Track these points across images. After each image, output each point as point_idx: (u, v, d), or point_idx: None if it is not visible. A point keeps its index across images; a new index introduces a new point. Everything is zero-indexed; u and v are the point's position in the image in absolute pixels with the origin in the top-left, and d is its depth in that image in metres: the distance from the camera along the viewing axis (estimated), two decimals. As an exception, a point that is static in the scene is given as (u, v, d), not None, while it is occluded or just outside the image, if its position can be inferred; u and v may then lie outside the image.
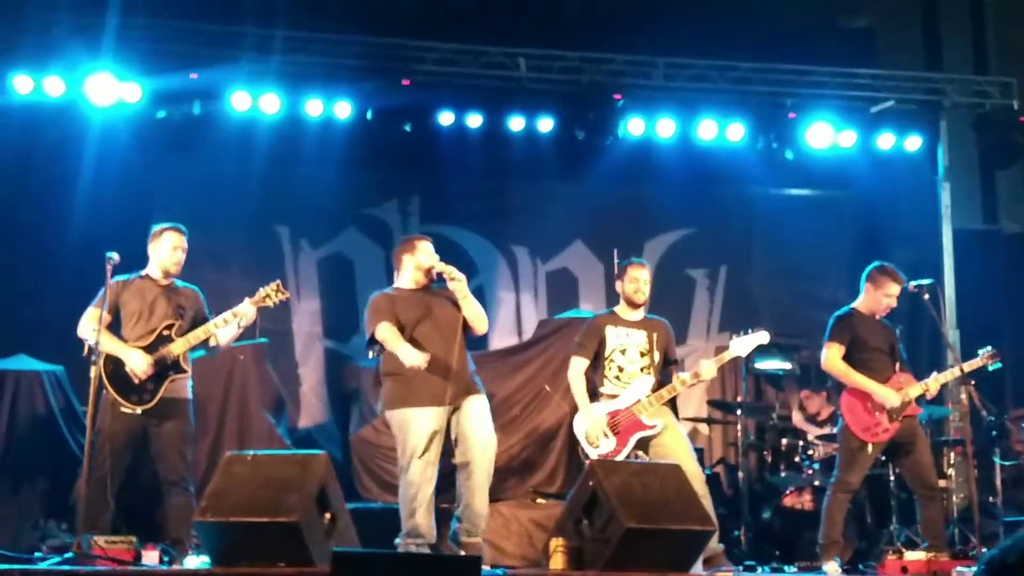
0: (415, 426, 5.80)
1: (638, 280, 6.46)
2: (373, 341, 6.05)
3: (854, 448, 6.33)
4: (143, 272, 6.13)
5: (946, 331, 7.81)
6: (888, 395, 6.25)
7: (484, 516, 5.86)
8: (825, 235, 10.05)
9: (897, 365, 6.43)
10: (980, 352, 6.48)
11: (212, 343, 6.08)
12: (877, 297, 6.51)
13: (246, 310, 5.98)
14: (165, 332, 5.94)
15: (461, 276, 5.98)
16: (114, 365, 5.84)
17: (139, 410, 5.82)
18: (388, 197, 9.87)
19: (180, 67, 8.74)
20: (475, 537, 5.79)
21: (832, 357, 6.42)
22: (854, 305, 6.60)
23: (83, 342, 5.84)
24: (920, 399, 6.45)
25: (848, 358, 6.39)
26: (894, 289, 6.49)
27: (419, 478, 5.74)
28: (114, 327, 5.97)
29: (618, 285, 6.61)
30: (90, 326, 5.83)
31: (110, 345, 5.84)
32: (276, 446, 7.57)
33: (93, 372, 5.74)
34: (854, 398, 6.36)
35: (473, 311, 6.08)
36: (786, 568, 6.39)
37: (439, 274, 6.02)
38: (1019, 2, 10.59)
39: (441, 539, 6.01)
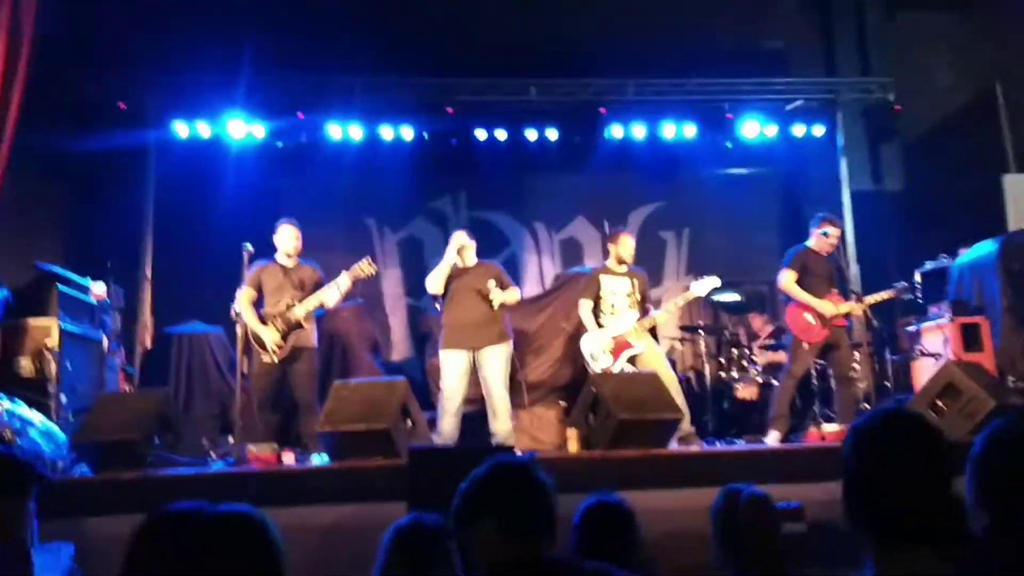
0: (445, 365, 5.93)
1: (630, 245, 6.44)
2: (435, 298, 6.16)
3: (796, 346, 6.26)
4: (275, 258, 6.16)
5: (848, 267, 7.68)
6: (824, 306, 6.17)
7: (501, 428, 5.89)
8: (758, 201, 9.85)
9: (834, 290, 6.32)
10: (895, 285, 6.40)
11: (325, 306, 6.08)
12: (819, 238, 6.39)
13: (343, 280, 5.98)
14: (290, 302, 5.97)
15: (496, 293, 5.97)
16: (253, 332, 5.92)
17: (276, 359, 5.89)
18: (443, 193, 9.78)
19: (291, 109, 8.75)
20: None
21: (787, 279, 6.31)
22: (807, 244, 6.45)
23: (231, 309, 5.90)
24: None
25: (799, 282, 6.27)
26: (830, 230, 6.38)
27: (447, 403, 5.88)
28: (259, 300, 6.05)
29: (611, 247, 6.56)
30: (241, 301, 5.95)
31: (252, 321, 5.90)
32: (374, 375, 7.60)
33: (239, 331, 5.80)
34: (798, 309, 6.26)
35: (510, 298, 6.08)
36: (736, 441, 6.34)
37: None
38: (893, 20, 10.30)
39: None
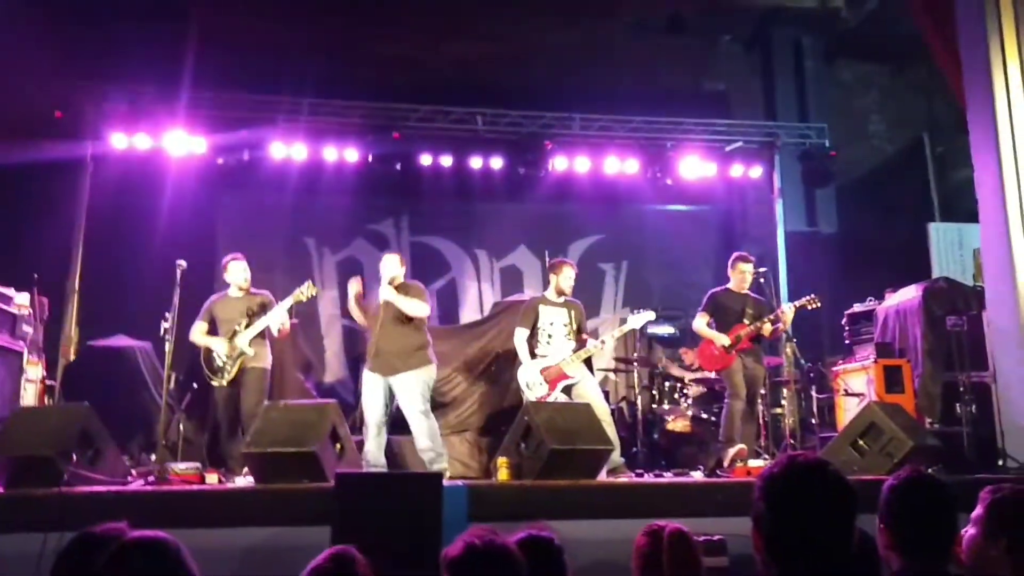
0: (364, 387, 5.98)
1: (571, 276, 6.50)
2: None
3: (720, 375, 6.62)
4: (227, 292, 6.29)
5: (778, 303, 7.86)
6: (718, 338, 6.47)
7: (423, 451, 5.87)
8: (696, 238, 10.06)
9: (745, 321, 6.48)
10: (804, 298, 6.58)
11: (270, 329, 6.13)
12: (734, 275, 6.62)
13: (279, 312, 6.07)
14: (236, 328, 5.99)
15: (385, 288, 5.99)
16: (207, 354, 5.89)
17: (223, 383, 5.86)
18: (386, 216, 9.76)
19: (233, 126, 8.67)
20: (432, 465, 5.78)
21: (698, 321, 6.68)
22: (727, 284, 6.71)
23: (160, 325, 5.79)
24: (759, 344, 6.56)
25: (714, 318, 6.58)
26: (742, 267, 6.60)
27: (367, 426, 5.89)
28: (212, 330, 6.14)
29: (552, 276, 6.59)
30: (194, 333, 6.07)
31: (205, 340, 5.97)
32: (305, 397, 7.50)
33: (168, 348, 5.70)
34: (705, 343, 6.61)
35: (402, 305, 5.99)
36: (665, 474, 6.39)
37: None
38: (831, 68, 10.67)
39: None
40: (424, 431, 5.82)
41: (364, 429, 5.90)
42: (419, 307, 6.04)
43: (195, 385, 6.83)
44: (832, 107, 10.41)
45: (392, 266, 6.14)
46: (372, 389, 5.92)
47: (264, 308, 6.16)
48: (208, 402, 6.04)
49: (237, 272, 6.24)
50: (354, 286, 6.15)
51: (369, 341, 6.04)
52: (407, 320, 5.97)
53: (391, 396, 5.92)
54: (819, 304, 6.53)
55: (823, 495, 1.82)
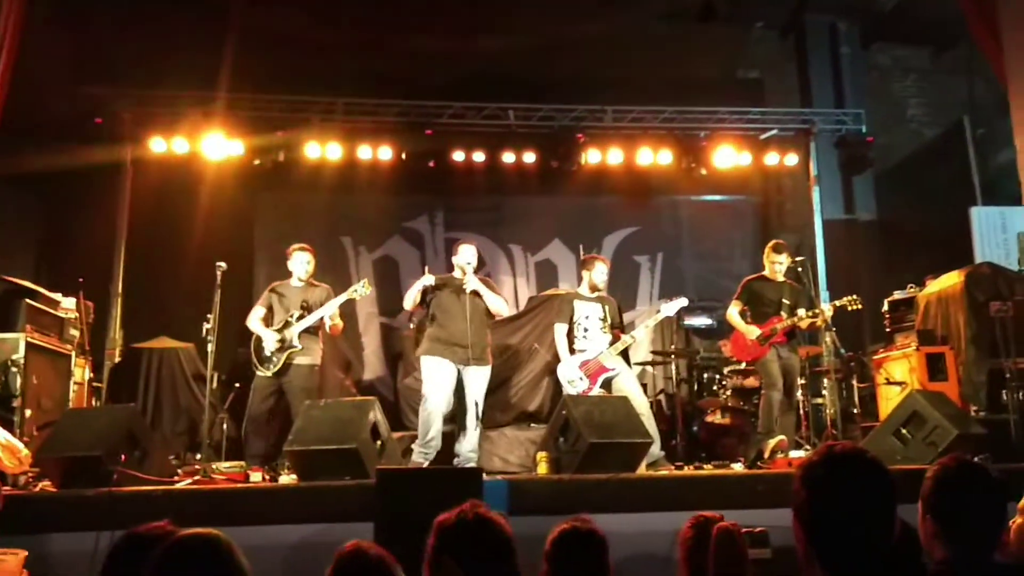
0: (430, 372, 5.89)
1: (603, 271, 6.51)
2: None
3: (755, 366, 6.55)
4: (289, 280, 6.36)
5: (817, 293, 7.79)
6: (749, 331, 6.39)
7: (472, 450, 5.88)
8: (732, 228, 9.97)
9: (783, 312, 6.42)
10: (845, 298, 6.49)
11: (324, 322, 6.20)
12: (769, 264, 6.56)
13: (332, 307, 6.13)
14: (289, 320, 6.08)
15: (473, 281, 6.01)
16: (257, 343, 5.97)
17: (268, 375, 5.93)
18: (420, 213, 9.80)
19: (269, 128, 8.77)
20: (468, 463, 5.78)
21: (731, 310, 6.61)
22: (762, 272, 6.65)
23: (203, 327, 5.87)
24: (794, 338, 6.50)
25: (750, 307, 6.50)
26: (775, 257, 6.54)
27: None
28: (268, 316, 6.21)
29: (584, 272, 6.61)
30: (251, 319, 6.15)
31: (258, 328, 6.09)
32: (345, 395, 7.59)
33: (211, 348, 5.79)
34: (737, 333, 6.56)
35: (490, 302, 6.07)
36: (705, 466, 6.37)
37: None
38: (867, 53, 10.50)
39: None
40: (477, 434, 5.89)
41: (422, 414, 5.88)
42: (503, 304, 6.18)
43: (237, 385, 6.95)
44: (869, 92, 10.25)
45: (473, 256, 6.16)
46: (443, 373, 5.89)
47: (322, 301, 6.22)
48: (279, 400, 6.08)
49: (300, 262, 6.31)
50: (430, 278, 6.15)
51: (437, 327, 6.01)
52: (488, 314, 6.06)
53: (459, 386, 5.93)
54: (860, 306, 6.42)
55: (862, 483, 1.81)
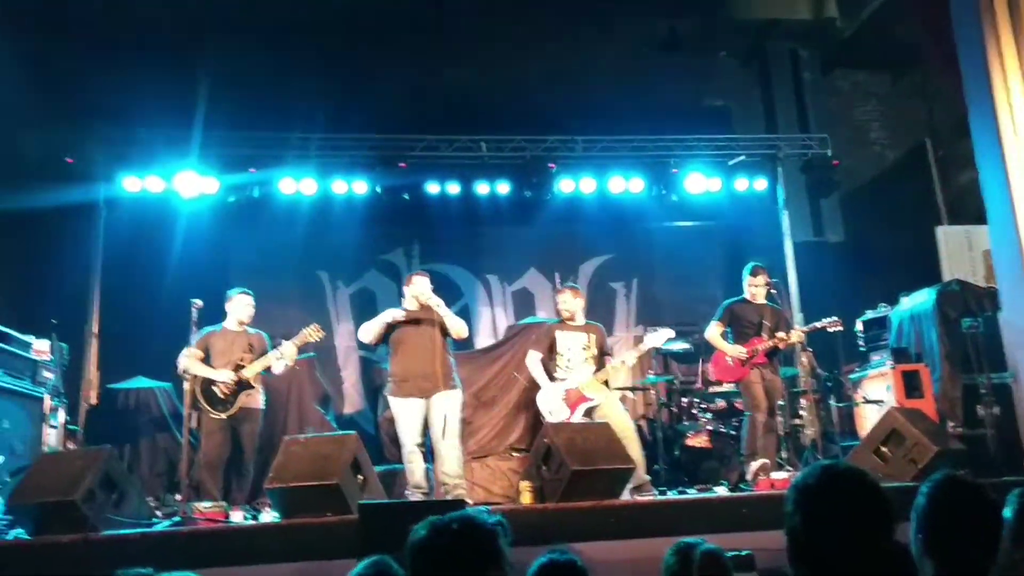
0: (400, 414, 5.84)
1: (571, 302, 6.48)
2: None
3: (738, 388, 6.56)
4: (224, 324, 6.19)
5: (790, 314, 7.80)
6: (733, 350, 6.38)
7: (452, 478, 5.74)
8: (704, 252, 10.00)
9: (764, 334, 6.42)
10: (824, 319, 6.50)
11: (272, 371, 6.12)
12: (747, 287, 6.58)
13: (289, 349, 6.03)
14: (240, 362, 5.94)
15: (436, 300, 5.91)
16: (205, 386, 5.85)
17: (222, 416, 5.83)
18: (396, 246, 9.74)
19: (243, 165, 8.70)
20: (451, 493, 5.66)
21: (711, 330, 6.64)
22: (743, 295, 6.68)
23: (177, 367, 5.80)
24: (775, 358, 6.49)
25: (732, 329, 6.53)
26: (751, 280, 6.57)
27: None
28: (205, 362, 6.01)
29: (557, 303, 6.62)
30: (187, 359, 5.85)
31: (203, 369, 5.86)
32: (325, 429, 7.47)
33: (186, 387, 5.69)
34: (719, 353, 6.56)
35: (450, 322, 5.97)
36: (688, 490, 6.32)
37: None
38: (829, 78, 10.64)
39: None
40: (456, 458, 5.76)
41: (404, 456, 5.81)
42: (463, 325, 6.06)
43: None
44: (832, 117, 10.37)
45: (428, 286, 6.08)
46: (412, 412, 5.81)
47: (264, 350, 6.16)
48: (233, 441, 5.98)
49: (243, 304, 6.22)
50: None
51: (399, 363, 5.93)
52: (445, 340, 5.96)
53: (427, 419, 5.84)
54: (841, 327, 6.45)
55: (860, 504, 1.77)
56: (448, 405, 5.82)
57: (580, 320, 6.51)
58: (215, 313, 6.21)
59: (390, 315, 6.01)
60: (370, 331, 6.06)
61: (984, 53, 6.16)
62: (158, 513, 5.65)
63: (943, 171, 9.83)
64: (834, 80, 10.76)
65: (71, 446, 6.81)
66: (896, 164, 10.47)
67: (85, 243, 8.29)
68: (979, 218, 7.76)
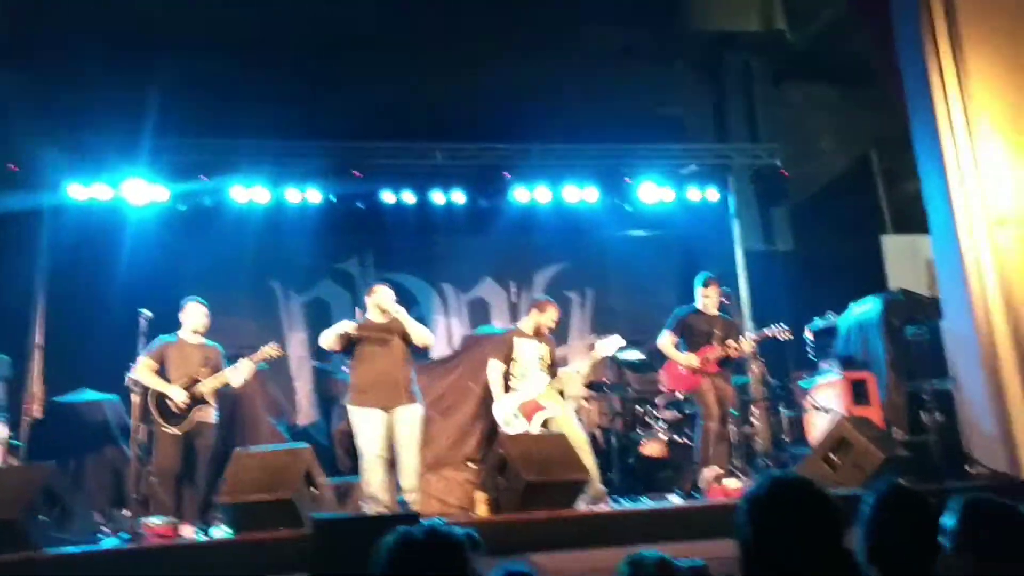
0: (359, 424, 5.74)
1: (554, 317, 6.49)
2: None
3: (691, 397, 6.60)
4: (179, 335, 6.03)
5: (741, 322, 7.92)
6: (686, 359, 6.50)
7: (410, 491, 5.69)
8: (658, 261, 10.03)
9: (715, 343, 6.51)
10: (773, 326, 6.60)
11: (229, 386, 6.02)
12: (703, 297, 6.68)
13: (245, 366, 5.95)
14: (196, 376, 5.85)
15: (398, 309, 5.89)
16: (159, 399, 5.75)
17: (175, 431, 5.73)
18: (350, 255, 9.64)
19: (194, 172, 8.56)
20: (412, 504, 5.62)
21: (663, 339, 6.75)
22: (694, 304, 6.77)
23: (126, 376, 5.69)
24: (727, 366, 6.58)
25: (683, 339, 6.62)
26: (703, 291, 6.68)
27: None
28: (159, 374, 5.87)
29: (536, 315, 6.56)
30: (140, 370, 5.73)
31: (157, 383, 5.75)
32: (278, 441, 7.37)
33: (134, 399, 5.59)
34: (669, 363, 6.70)
35: (415, 331, 5.94)
36: (642, 499, 6.36)
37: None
38: (780, 90, 10.84)
39: None
40: (415, 469, 5.70)
41: (362, 467, 5.72)
42: (429, 333, 6.06)
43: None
44: (783, 127, 10.55)
45: (390, 296, 6.06)
46: (373, 423, 5.71)
47: (219, 361, 6.06)
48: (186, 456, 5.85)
49: (197, 314, 6.07)
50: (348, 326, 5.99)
51: (359, 374, 5.88)
52: (408, 350, 5.93)
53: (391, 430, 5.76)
54: (791, 335, 6.57)
55: (809, 514, 1.81)
56: (411, 418, 5.77)
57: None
58: (164, 324, 6.09)
59: (342, 327, 5.96)
60: (327, 338, 6.02)
61: (926, 69, 6.34)
62: (105, 529, 5.52)
63: (888, 182, 10.09)
64: (785, 91, 10.95)
65: (13, 462, 6.63)
66: (843, 174, 10.69)
67: (28, 253, 8.07)
68: (923, 228, 7.98)
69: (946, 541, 2.44)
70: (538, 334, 6.48)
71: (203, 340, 6.11)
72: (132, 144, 8.24)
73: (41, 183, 8.14)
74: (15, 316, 7.70)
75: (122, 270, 8.09)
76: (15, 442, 6.85)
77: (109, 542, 5.11)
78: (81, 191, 8.27)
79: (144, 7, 7.92)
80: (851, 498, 2.39)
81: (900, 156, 9.31)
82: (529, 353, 6.41)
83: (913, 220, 8.82)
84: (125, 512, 5.88)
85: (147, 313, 5.73)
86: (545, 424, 6.19)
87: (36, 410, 7.52)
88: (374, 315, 6.05)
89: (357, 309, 6.58)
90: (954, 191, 6.14)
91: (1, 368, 6.58)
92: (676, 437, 7.53)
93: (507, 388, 6.35)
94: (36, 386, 7.68)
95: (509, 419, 6.19)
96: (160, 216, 8.65)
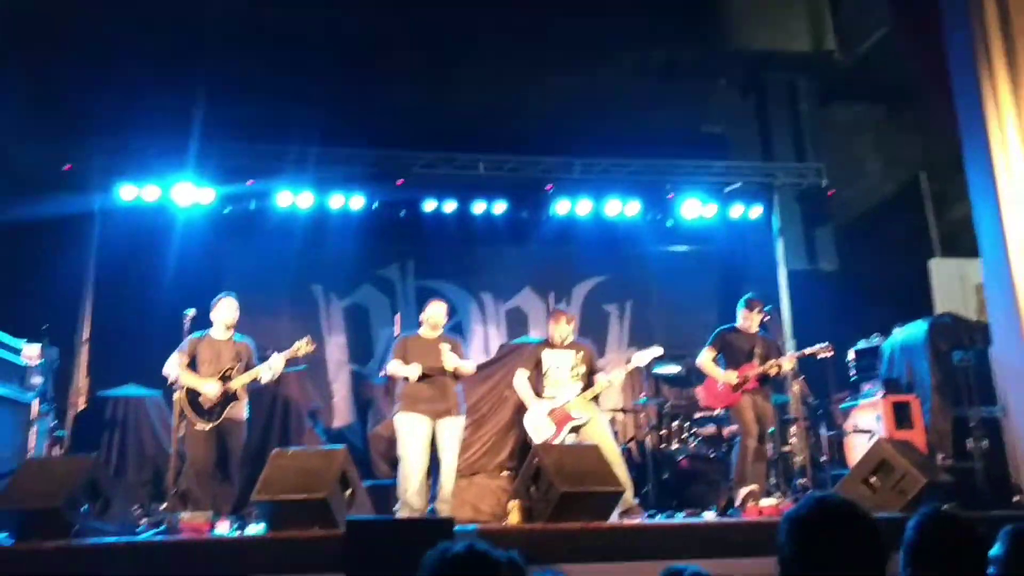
0: (405, 431, 5.88)
1: (563, 327, 6.50)
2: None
3: (733, 413, 6.54)
4: (210, 332, 6.08)
5: (783, 341, 7.82)
6: (725, 376, 6.42)
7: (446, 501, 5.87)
8: (698, 278, 9.99)
9: (755, 361, 6.44)
10: (815, 345, 6.51)
11: (260, 382, 6.05)
12: (741, 318, 6.61)
13: (277, 361, 5.97)
14: (228, 372, 5.90)
15: (450, 361, 6.08)
16: (191, 396, 5.81)
17: (208, 427, 5.78)
18: (391, 262, 9.72)
19: (241, 176, 8.70)
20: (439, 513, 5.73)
21: (703, 356, 6.65)
22: (735, 323, 6.71)
23: (167, 378, 5.77)
24: (767, 384, 6.50)
25: (722, 356, 6.55)
26: (745, 313, 6.61)
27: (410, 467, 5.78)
28: (190, 368, 5.94)
29: (551, 325, 6.66)
30: (173, 365, 5.80)
31: (191, 380, 5.81)
32: (314, 442, 7.43)
33: (175, 396, 5.66)
34: (709, 380, 6.63)
35: (461, 369, 6.15)
36: (677, 513, 6.30)
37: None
38: (826, 110, 10.71)
39: None
40: (452, 479, 5.87)
41: (401, 472, 5.84)
42: (473, 367, 6.31)
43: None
44: (828, 147, 10.42)
45: (443, 316, 6.30)
46: (418, 429, 5.90)
47: (251, 357, 6.10)
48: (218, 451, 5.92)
49: (228, 308, 6.08)
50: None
51: (411, 386, 6.02)
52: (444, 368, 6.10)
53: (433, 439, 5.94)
54: (832, 352, 6.47)
55: (853, 538, 1.78)
56: (453, 432, 5.97)
57: (570, 339, 6.54)
58: (208, 323, 6.16)
59: (410, 372, 6.03)
60: (392, 370, 6.18)
61: (979, 90, 6.23)
62: (143, 522, 5.60)
63: (937, 205, 9.90)
64: (831, 111, 10.82)
65: (58, 452, 6.77)
66: (891, 196, 10.52)
67: (79, 251, 8.26)
68: (972, 252, 7.81)
69: (992, 570, 2.38)
70: (557, 344, 6.48)
71: (234, 336, 6.13)
72: (180, 147, 8.40)
73: (92, 185, 8.33)
74: (65, 311, 7.87)
75: (168, 270, 8.24)
76: (60, 433, 7.00)
77: (147, 534, 5.19)
78: (131, 192, 8.44)
79: (193, 12, 8.08)
80: (890, 522, 2.34)
81: (950, 178, 9.17)
82: (560, 363, 6.42)
83: (961, 244, 8.66)
84: (163, 506, 5.96)
85: (191, 313, 5.82)
86: (575, 430, 6.18)
87: (81, 402, 7.69)
88: (425, 331, 6.21)
89: (396, 315, 6.67)
90: (1006, 215, 6.01)
91: (50, 360, 6.70)
92: (711, 453, 7.46)
93: (540, 396, 6.36)
94: (82, 379, 7.85)
95: (539, 427, 6.20)
96: (206, 218, 8.81)
